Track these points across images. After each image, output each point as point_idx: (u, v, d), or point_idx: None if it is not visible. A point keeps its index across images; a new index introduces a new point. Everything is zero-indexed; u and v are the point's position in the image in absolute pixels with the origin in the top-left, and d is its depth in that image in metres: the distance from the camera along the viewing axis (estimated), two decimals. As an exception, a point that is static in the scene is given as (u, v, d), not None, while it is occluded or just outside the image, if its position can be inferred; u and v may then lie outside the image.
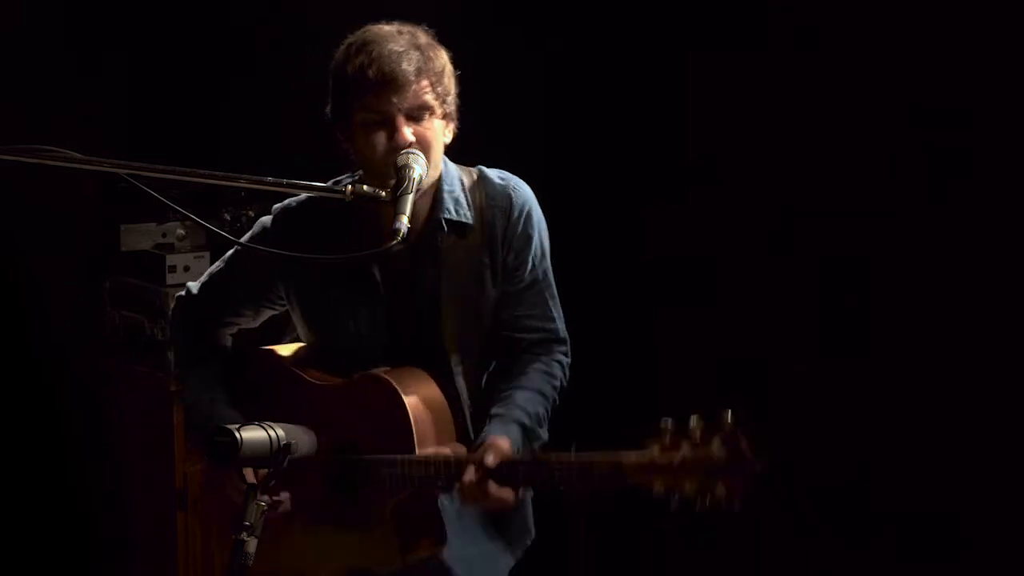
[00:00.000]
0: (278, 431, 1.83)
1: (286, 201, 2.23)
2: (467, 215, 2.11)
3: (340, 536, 2.08)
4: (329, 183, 2.10)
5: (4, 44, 3.43)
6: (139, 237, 3.65)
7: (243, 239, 2.26)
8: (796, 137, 3.09)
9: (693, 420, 1.70)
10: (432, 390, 2.07)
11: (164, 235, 3.64)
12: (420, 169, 2.01)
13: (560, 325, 2.19)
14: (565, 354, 2.18)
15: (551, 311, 2.17)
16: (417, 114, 2.02)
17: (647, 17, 3.34)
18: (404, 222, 1.93)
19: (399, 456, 1.99)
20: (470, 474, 1.91)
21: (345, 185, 2.01)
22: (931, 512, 2.87)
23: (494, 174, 2.18)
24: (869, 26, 2.95)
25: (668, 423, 1.72)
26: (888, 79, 2.91)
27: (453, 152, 2.19)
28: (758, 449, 1.65)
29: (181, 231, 3.64)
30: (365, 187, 2.02)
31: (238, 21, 3.96)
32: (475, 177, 2.17)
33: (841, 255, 3.02)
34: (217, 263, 2.33)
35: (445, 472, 1.96)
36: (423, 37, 2.07)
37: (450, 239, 2.12)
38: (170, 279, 3.52)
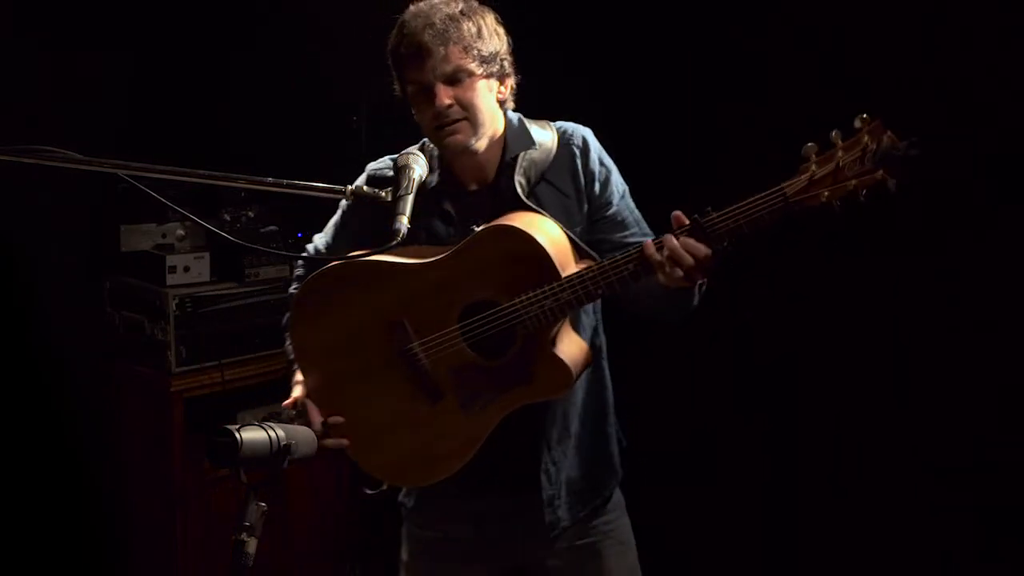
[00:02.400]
0: (278, 431, 1.83)
1: (376, 168, 2.34)
2: (530, 142, 2.22)
3: (501, 389, 2.12)
4: (415, 147, 2.26)
5: (4, 44, 3.43)
6: (139, 237, 3.65)
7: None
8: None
9: (833, 134, 1.84)
10: (547, 223, 2.12)
11: (164, 235, 3.64)
12: (420, 169, 2.07)
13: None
14: None
15: (647, 228, 2.27)
16: (454, 78, 2.13)
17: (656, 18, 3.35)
18: (404, 222, 1.98)
19: (549, 286, 2.04)
20: (649, 246, 1.97)
21: (346, 185, 2.03)
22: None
23: (563, 123, 2.30)
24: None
25: (810, 145, 1.86)
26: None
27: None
28: (903, 133, 1.79)
29: (181, 231, 3.64)
30: (365, 188, 2.05)
31: (238, 21, 3.96)
32: (549, 126, 2.28)
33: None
34: (331, 221, 2.44)
35: (610, 269, 2.01)
36: (455, 5, 2.16)
37: (525, 179, 2.21)
38: (170, 279, 3.53)
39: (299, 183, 2.00)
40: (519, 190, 2.19)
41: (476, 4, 2.20)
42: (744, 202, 1.89)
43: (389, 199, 2.03)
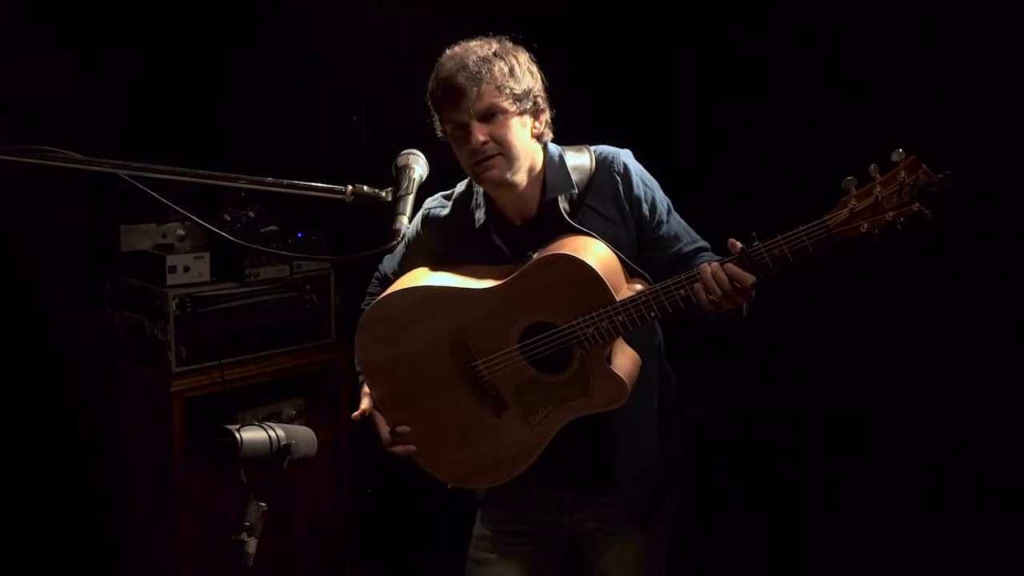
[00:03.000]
0: (278, 431, 1.83)
1: (431, 207, 2.49)
2: (569, 183, 2.33)
3: (561, 401, 2.28)
4: (459, 187, 2.46)
5: (4, 44, 3.43)
6: (139, 237, 3.65)
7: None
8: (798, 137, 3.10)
9: (871, 167, 1.98)
10: (598, 247, 2.27)
11: (164, 235, 3.64)
12: (420, 170, 2.06)
13: (704, 241, 2.41)
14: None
15: (695, 233, 2.41)
16: (489, 115, 2.25)
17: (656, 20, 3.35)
18: (404, 222, 1.97)
19: (603, 309, 2.18)
20: (706, 271, 2.11)
21: (346, 185, 2.03)
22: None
23: (602, 148, 2.42)
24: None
25: (850, 179, 2.00)
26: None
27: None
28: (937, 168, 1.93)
29: (181, 231, 3.64)
30: (365, 188, 2.03)
31: (238, 21, 3.96)
32: (587, 153, 2.40)
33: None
34: (399, 247, 2.51)
35: (663, 293, 2.16)
36: (488, 48, 2.29)
37: (560, 209, 2.33)
38: (170, 279, 3.53)
39: (299, 183, 2.00)
40: (564, 214, 2.31)
41: (509, 45, 2.32)
42: (789, 233, 2.04)
43: (389, 199, 2.03)
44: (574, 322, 2.21)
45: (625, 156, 2.39)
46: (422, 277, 2.42)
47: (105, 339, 3.70)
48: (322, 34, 3.89)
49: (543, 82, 2.34)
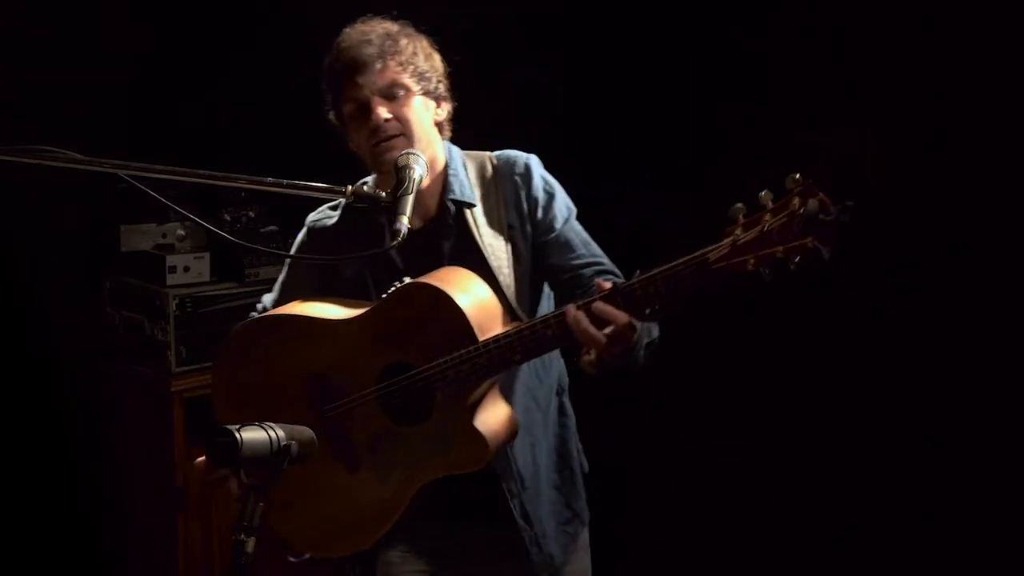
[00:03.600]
0: (278, 431, 1.82)
1: (315, 219, 2.33)
2: (472, 195, 2.19)
3: (417, 459, 2.04)
4: (357, 184, 2.18)
5: (4, 44, 3.43)
6: (139, 237, 3.65)
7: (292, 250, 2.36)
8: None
9: (763, 194, 1.71)
10: (477, 285, 2.06)
11: (164, 235, 3.64)
12: (420, 170, 2.05)
13: (607, 260, 2.20)
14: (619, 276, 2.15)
15: (595, 247, 2.21)
16: (390, 92, 2.12)
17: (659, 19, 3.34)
18: (404, 223, 1.96)
19: (464, 350, 1.96)
20: (571, 312, 1.88)
21: (346, 185, 2.03)
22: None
23: (504, 153, 2.27)
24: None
25: (738, 206, 1.74)
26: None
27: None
28: (835, 195, 1.65)
29: (181, 231, 3.64)
30: (365, 188, 2.04)
31: (238, 21, 3.96)
32: (487, 160, 2.25)
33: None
34: (280, 276, 2.41)
35: (528, 334, 1.94)
36: (391, 25, 2.18)
37: (468, 216, 2.18)
38: (170, 279, 3.53)
39: (299, 183, 2.00)
40: (468, 219, 2.16)
41: (412, 28, 2.21)
42: (665, 267, 1.80)
43: (389, 200, 2.03)
44: (433, 363, 1.98)
45: (529, 159, 2.23)
46: (294, 306, 2.20)
47: (105, 339, 3.70)
48: (322, 33, 3.89)
49: (445, 69, 2.21)
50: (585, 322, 1.86)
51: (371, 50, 2.12)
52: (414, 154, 2.07)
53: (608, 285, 1.88)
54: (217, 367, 2.26)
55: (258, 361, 2.18)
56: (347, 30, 2.19)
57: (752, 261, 1.71)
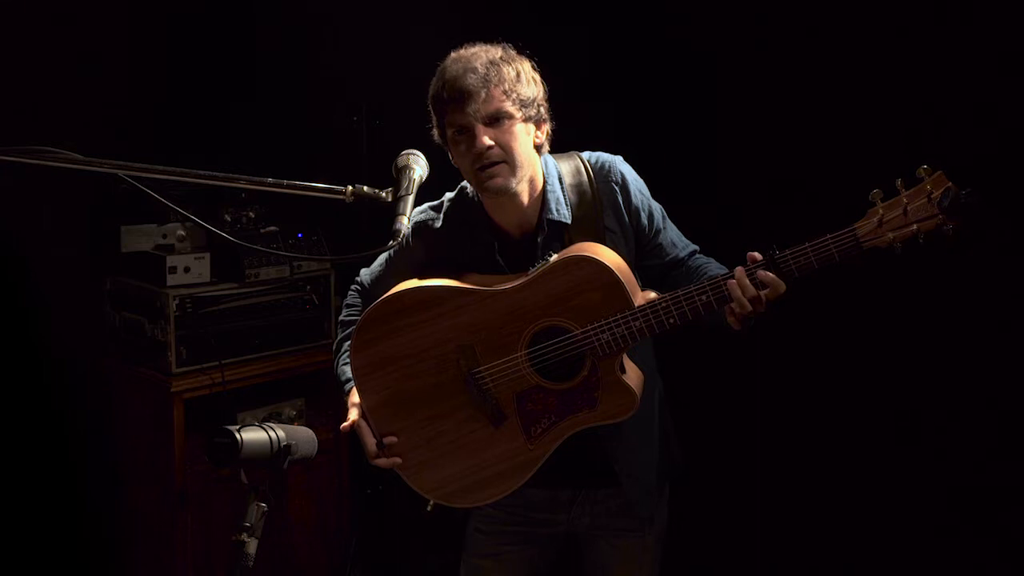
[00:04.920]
0: (278, 431, 1.83)
1: (422, 219, 2.42)
2: (566, 214, 2.30)
3: (563, 412, 2.22)
4: (446, 197, 2.40)
5: (4, 44, 3.43)
6: (139, 238, 3.65)
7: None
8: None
9: (898, 182, 2.00)
10: (611, 253, 2.22)
11: (164, 236, 3.64)
12: (420, 170, 2.04)
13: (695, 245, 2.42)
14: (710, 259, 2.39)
15: (683, 236, 2.41)
16: (494, 121, 2.20)
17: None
18: (404, 223, 1.96)
19: (620, 314, 2.15)
20: (739, 278, 2.08)
21: (346, 185, 2.03)
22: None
23: (596, 156, 2.38)
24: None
25: (876, 191, 2.01)
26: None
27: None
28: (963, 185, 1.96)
29: (181, 232, 3.64)
30: (365, 188, 2.03)
31: (239, 20, 3.96)
32: (580, 162, 2.36)
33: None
34: (380, 257, 2.50)
35: (683, 299, 2.12)
36: (495, 52, 2.25)
37: (559, 229, 2.30)
38: (170, 280, 3.53)
39: (299, 183, 2.00)
40: (565, 229, 2.29)
41: (514, 52, 2.27)
42: (816, 240, 2.04)
43: (389, 199, 2.03)
44: (589, 327, 2.17)
45: (620, 164, 2.35)
46: (429, 278, 2.33)
47: (105, 340, 3.70)
48: (323, 34, 3.89)
49: (545, 91, 2.29)
50: (750, 287, 2.07)
51: (475, 80, 2.18)
52: (414, 154, 2.07)
53: (760, 256, 2.08)
54: (357, 336, 2.32)
55: (403, 329, 2.28)
56: (452, 55, 2.26)
57: (891, 236, 2.00)
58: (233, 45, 3.94)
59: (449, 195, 2.42)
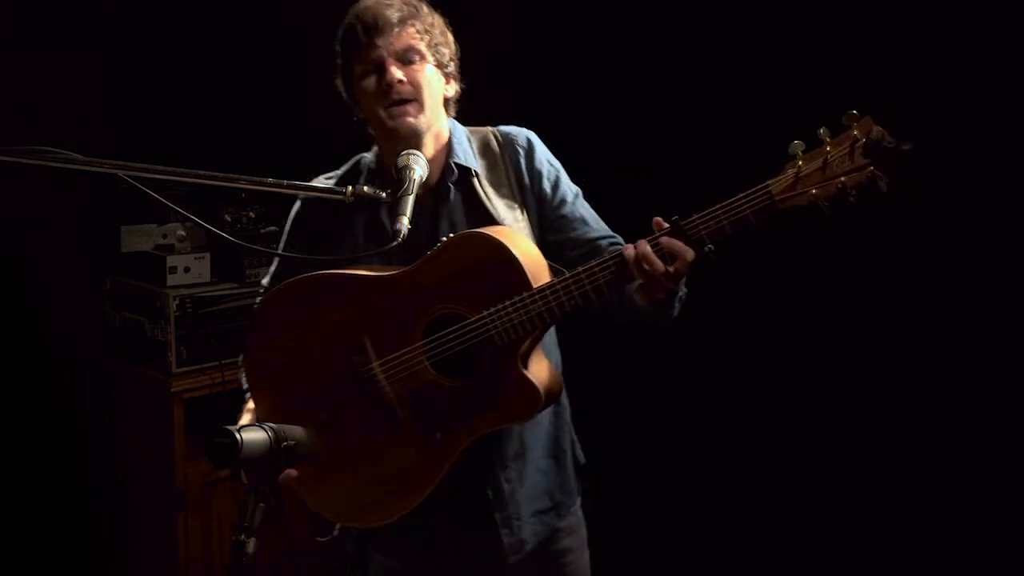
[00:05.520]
0: (278, 431, 1.82)
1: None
2: (474, 163, 2.18)
3: (462, 415, 1.99)
4: (352, 161, 2.25)
5: (5, 44, 3.43)
6: (140, 238, 3.66)
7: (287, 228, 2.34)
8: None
9: (821, 130, 1.75)
10: (518, 236, 2.04)
11: (164, 236, 3.64)
12: (421, 170, 2.05)
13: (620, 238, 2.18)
14: None
15: (601, 222, 2.21)
16: (406, 57, 2.11)
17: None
18: (404, 223, 1.96)
19: (518, 297, 1.92)
20: (640, 247, 1.85)
21: (346, 185, 2.03)
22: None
23: (506, 127, 2.26)
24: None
25: (797, 142, 1.76)
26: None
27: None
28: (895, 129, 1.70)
29: (182, 232, 3.64)
30: (366, 188, 2.04)
31: (239, 20, 3.96)
32: (490, 133, 2.25)
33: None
34: (271, 269, 2.41)
35: (584, 277, 1.90)
36: None
37: (466, 182, 2.17)
38: (170, 280, 3.53)
39: (299, 183, 2.00)
40: (475, 183, 2.16)
41: (428, 3, 2.21)
42: (727, 201, 1.80)
43: (389, 200, 2.03)
44: (485, 313, 1.94)
45: (529, 134, 2.24)
46: (315, 271, 2.10)
47: (105, 340, 3.70)
48: (324, 34, 3.89)
49: (457, 51, 2.21)
50: (653, 256, 1.83)
51: (392, 12, 2.12)
52: (414, 154, 2.07)
53: (669, 221, 1.85)
54: (247, 340, 2.14)
55: (291, 326, 2.09)
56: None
57: (814, 191, 1.74)
58: (233, 45, 3.94)
59: (344, 167, 2.27)
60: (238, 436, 1.74)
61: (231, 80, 3.93)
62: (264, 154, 3.77)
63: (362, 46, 2.11)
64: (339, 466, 2.04)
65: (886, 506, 3.04)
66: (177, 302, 3.50)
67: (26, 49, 3.48)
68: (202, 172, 1.91)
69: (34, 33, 3.52)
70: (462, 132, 2.24)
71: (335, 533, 2.16)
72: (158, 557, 3.57)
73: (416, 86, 2.10)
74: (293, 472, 1.99)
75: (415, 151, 2.09)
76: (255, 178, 1.95)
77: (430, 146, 2.15)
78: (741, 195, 1.79)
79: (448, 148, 2.18)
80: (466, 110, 2.26)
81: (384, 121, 2.11)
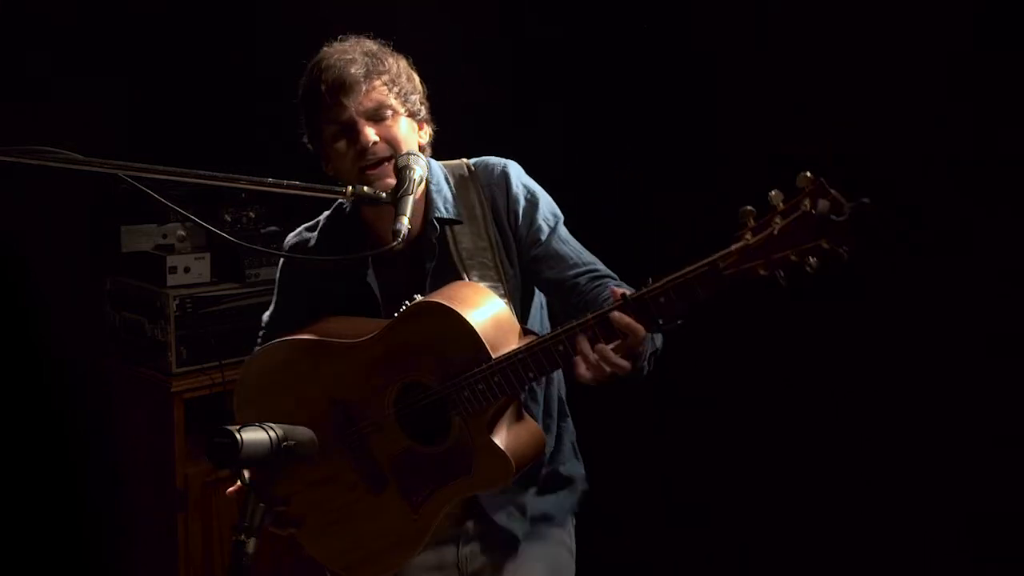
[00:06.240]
0: (278, 431, 1.82)
1: (293, 241, 2.32)
2: (455, 212, 2.13)
3: (441, 479, 1.99)
4: (323, 216, 2.23)
5: (7, 44, 3.43)
6: (140, 238, 3.66)
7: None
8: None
9: (772, 194, 1.62)
10: (489, 299, 2.00)
11: (164, 236, 3.64)
12: (420, 170, 2.04)
13: (601, 264, 2.13)
14: (619, 282, 2.09)
15: (586, 254, 2.14)
16: (377, 114, 2.06)
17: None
18: (404, 223, 1.96)
19: (477, 369, 1.90)
20: (585, 333, 1.80)
21: (345, 186, 2.03)
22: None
23: (482, 160, 2.20)
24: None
25: (747, 208, 1.65)
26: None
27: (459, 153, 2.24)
28: (849, 192, 1.54)
29: (182, 232, 3.65)
30: (366, 188, 2.03)
31: (238, 21, 3.96)
32: (465, 169, 2.20)
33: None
34: (272, 304, 2.39)
35: (539, 351, 1.86)
36: (371, 44, 2.12)
37: (448, 232, 2.13)
38: (170, 280, 3.53)
39: (299, 183, 2.00)
40: (449, 238, 2.11)
41: (390, 47, 2.14)
42: (674, 276, 1.72)
43: (389, 200, 2.02)
44: (448, 383, 1.93)
45: (506, 165, 2.17)
46: (305, 329, 2.14)
47: (105, 340, 3.70)
48: (323, 34, 3.88)
49: (425, 91, 2.15)
50: (592, 355, 1.80)
51: (356, 69, 2.04)
52: (414, 154, 2.06)
53: (620, 293, 1.80)
54: (236, 400, 2.19)
55: (276, 388, 2.13)
56: (326, 49, 2.11)
57: (763, 265, 1.62)
58: (233, 45, 3.94)
59: (326, 213, 2.28)
60: (238, 436, 1.74)
61: (231, 80, 3.93)
62: (264, 154, 3.77)
63: (329, 107, 2.05)
64: (334, 524, 2.10)
65: (876, 532, 3.04)
66: (177, 302, 3.50)
67: (26, 49, 3.48)
68: (202, 172, 1.91)
69: (35, 33, 3.52)
70: (439, 174, 2.18)
71: None
72: (158, 557, 3.57)
73: (391, 142, 2.05)
74: (294, 530, 2.10)
75: (414, 151, 2.08)
76: (255, 178, 1.94)
77: (425, 176, 2.09)
78: (689, 269, 1.71)
79: (427, 198, 2.13)
80: (467, 109, 2.25)
81: (360, 183, 2.04)
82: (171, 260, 3.55)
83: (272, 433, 1.78)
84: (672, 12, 3.28)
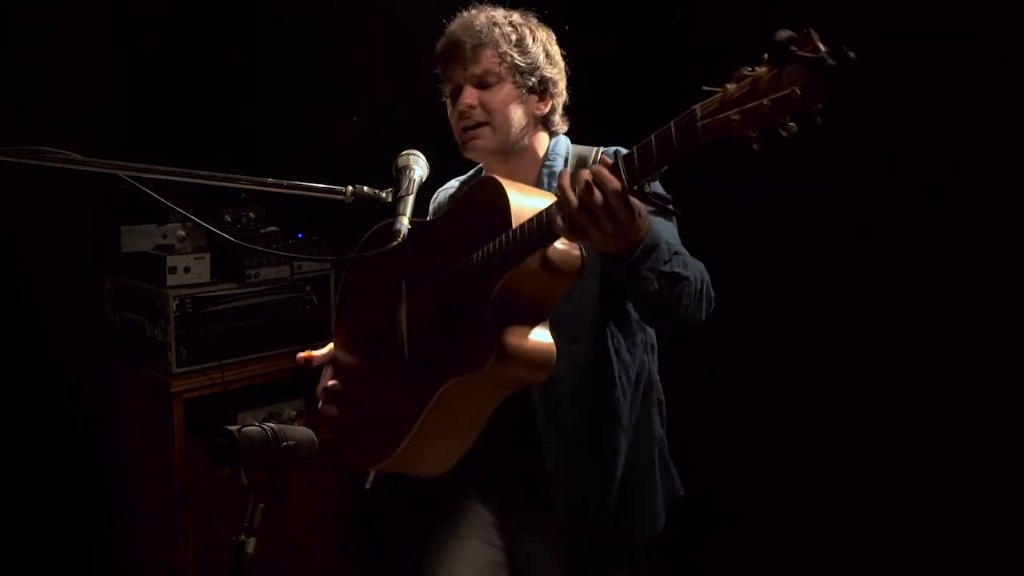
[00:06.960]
0: (278, 432, 1.83)
1: (440, 191, 2.41)
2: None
3: (441, 363, 1.93)
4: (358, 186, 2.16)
5: (6, 44, 3.43)
6: (140, 238, 3.65)
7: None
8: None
9: (766, 56, 1.43)
10: (544, 194, 1.92)
11: (165, 236, 3.64)
12: (420, 171, 2.05)
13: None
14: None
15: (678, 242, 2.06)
16: (483, 81, 2.14)
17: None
18: (404, 223, 1.95)
19: (499, 237, 1.84)
20: (564, 172, 1.71)
21: (346, 185, 2.03)
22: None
23: (609, 149, 2.13)
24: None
25: (745, 68, 1.46)
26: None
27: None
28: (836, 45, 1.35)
29: (181, 232, 3.64)
30: (366, 188, 2.03)
31: (239, 21, 3.96)
32: (592, 154, 2.20)
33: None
34: None
35: (537, 224, 1.78)
36: (500, 14, 2.18)
37: None
38: (170, 280, 3.53)
39: (299, 183, 2.00)
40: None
41: (534, 20, 2.21)
42: (659, 129, 1.58)
43: (389, 200, 2.03)
44: (474, 255, 1.90)
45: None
46: None
47: (105, 340, 3.70)
48: (323, 34, 3.89)
49: (563, 69, 2.20)
50: (580, 186, 1.66)
51: (468, 37, 2.13)
52: (414, 155, 2.08)
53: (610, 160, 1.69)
54: (342, 282, 2.32)
55: (372, 270, 2.21)
56: (460, 13, 2.21)
57: (736, 117, 1.45)
58: (233, 45, 3.94)
59: (412, 150, 2.18)
60: (238, 436, 1.74)
61: (231, 80, 3.93)
62: (264, 154, 3.78)
63: (444, 67, 2.19)
64: (357, 406, 2.15)
65: (876, 532, 3.05)
66: (177, 302, 3.50)
67: (26, 48, 3.48)
68: (202, 172, 1.91)
69: (34, 33, 3.52)
70: (563, 148, 2.22)
71: (371, 477, 2.21)
72: (158, 557, 3.58)
73: (490, 110, 2.13)
74: (334, 411, 2.18)
75: (414, 151, 2.09)
76: (255, 178, 1.95)
77: (517, 167, 2.16)
78: (671, 120, 1.56)
79: (541, 164, 2.19)
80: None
81: (461, 145, 2.19)
82: (171, 260, 3.55)
83: (272, 433, 1.79)
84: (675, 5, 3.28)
